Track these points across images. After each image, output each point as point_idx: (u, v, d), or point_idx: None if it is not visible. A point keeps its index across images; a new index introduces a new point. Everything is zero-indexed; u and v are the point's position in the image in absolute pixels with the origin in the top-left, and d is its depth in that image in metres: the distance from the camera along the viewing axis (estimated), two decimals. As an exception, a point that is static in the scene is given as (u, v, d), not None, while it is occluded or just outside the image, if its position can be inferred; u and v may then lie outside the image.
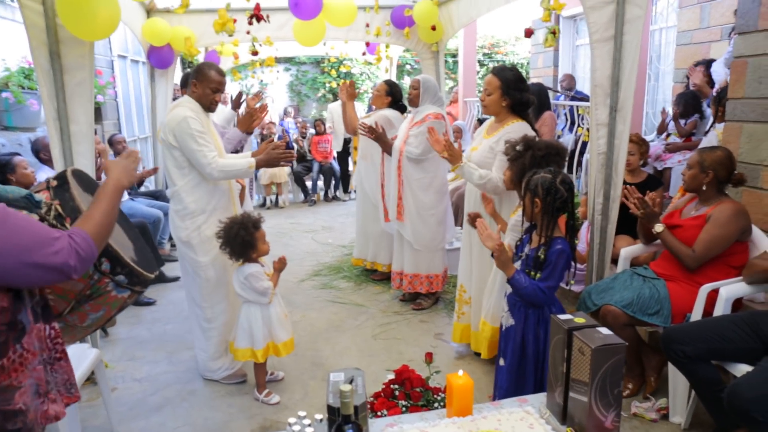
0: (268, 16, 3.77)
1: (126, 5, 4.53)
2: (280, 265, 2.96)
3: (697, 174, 2.70)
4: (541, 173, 2.10)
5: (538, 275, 2.08)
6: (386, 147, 4.06)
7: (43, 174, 4.06)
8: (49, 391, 1.44)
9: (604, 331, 1.54)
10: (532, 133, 2.95)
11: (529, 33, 3.59)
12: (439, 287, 4.13)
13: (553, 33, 3.13)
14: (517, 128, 2.94)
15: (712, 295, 2.51)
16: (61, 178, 1.68)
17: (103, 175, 4.50)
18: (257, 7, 3.05)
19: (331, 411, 1.43)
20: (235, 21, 4.02)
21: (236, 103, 4.14)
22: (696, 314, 2.54)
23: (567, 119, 5.64)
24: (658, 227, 2.79)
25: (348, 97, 4.35)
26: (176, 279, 4.74)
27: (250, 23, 3.06)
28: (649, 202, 2.82)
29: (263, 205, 8.13)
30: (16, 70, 4.78)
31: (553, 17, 8.08)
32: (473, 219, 2.50)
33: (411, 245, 3.99)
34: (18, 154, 3.65)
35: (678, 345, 2.29)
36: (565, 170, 4.43)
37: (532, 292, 2.06)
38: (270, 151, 3.02)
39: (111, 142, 5.18)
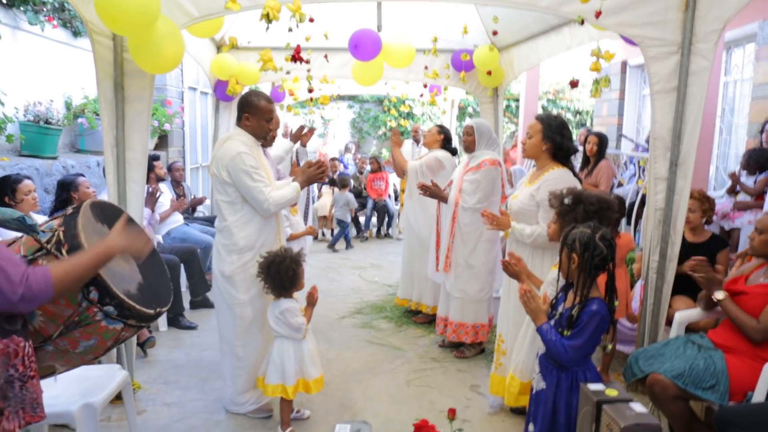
0: (326, 56, 3.85)
1: (197, 41, 4.80)
2: (312, 299, 2.91)
3: None
4: (580, 228, 1.98)
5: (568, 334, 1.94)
6: (442, 199, 4.03)
7: (105, 195, 4.28)
8: (6, 408, 1.44)
9: (638, 407, 1.39)
10: (574, 181, 2.85)
11: (574, 84, 3.50)
12: (485, 337, 3.97)
13: (597, 83, 3.02)
14: (558, 175, 2.87)
15: (779, 374, 2.25)
16: (77, 207, 1.74)
17: (158, 206, 4.70)
18: (297, 49, 3.14)
19: (331, 466, 1.35)
20: (294, 59, 4.15)
21: (297, 136, 4.22)
22: (759, 394, 2.28)
23: (636, 168, 5.42)
24: (719, 294, 2.56)
25: (395, 144, 4.46)
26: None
27: (293, 61, 3.13)
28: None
29: (315, 237, 8.21)
30: (93, 98, 5.13)
31: (620, 65, 7.92)
32: (506, 266, 2.49)
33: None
34: (82, 175, 3.87)
35: (735, 428, 2.05)
36: (624, 222, 4.22)
37: (553, 347, 1.94)
38: (306, 170, 3.04)
39: (170, 169, 5.41)
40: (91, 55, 2.89)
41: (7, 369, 1.45)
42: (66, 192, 3.73)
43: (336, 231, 7.75)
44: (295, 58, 3.05)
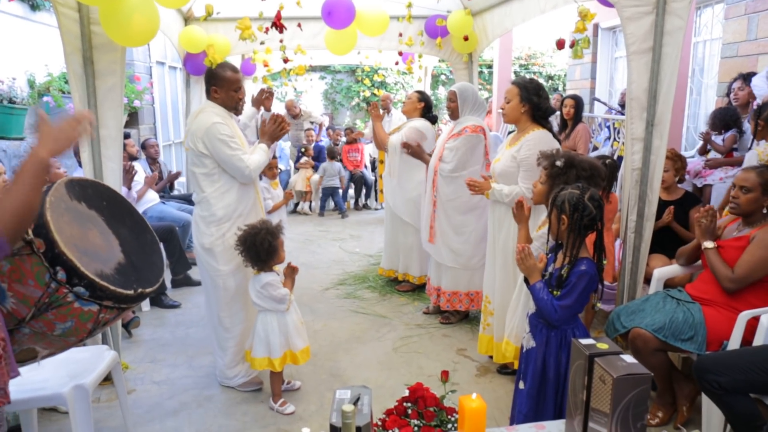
0: (299, 25, 3.78)
1: (164, 13, 4.63)
2: (291, 271, 2.92)
3: (759, 197, 2.53)
4: (569, 189, 2.00)
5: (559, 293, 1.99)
6: (425, 160, 4.01)
7: (78, 174, 4.16)
8: None
9: (628, 359, 1.44)
10: (554, 142, 2.91)
11: (561, 44, 3.49)
12: (479, 305, 4.01)
13: (577, 43, 3.03)
14: (538, 136, 2.93)
15: (752, 323, 2.35)
16: (51, 185, 1.68)
17: (134, 183, 4.58)
18: (278, 16, 3.06)
19: (334, 430, 1.38)
20: (267, 29, 4.04)
21: (258, 101, 4.08)
22: (734, 342, 2.38)
23: (610, 131, 5.48)
24: (709, 243, 2.64)
25: (375, 118, 4.40)
26: (202, 283, 4.77)
27: (266, 31, 3.06)
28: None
29: (293, 211, 8.15)
30: (58, 75, 4.93)
31: (592, 28, 7.93)
32: (518, 207, 2.52)
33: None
34: (53, 156, 3.74)
35: (712, 375, 2.15)
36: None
37: (545, 306, 1.99)
38: (265, 130, 3.10)
39: (144, 146, 5.28)
40: (52, 30, 2.79)
41: None
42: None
43: (321, 200, 7.79)
44: (276, 24, 2.97)
